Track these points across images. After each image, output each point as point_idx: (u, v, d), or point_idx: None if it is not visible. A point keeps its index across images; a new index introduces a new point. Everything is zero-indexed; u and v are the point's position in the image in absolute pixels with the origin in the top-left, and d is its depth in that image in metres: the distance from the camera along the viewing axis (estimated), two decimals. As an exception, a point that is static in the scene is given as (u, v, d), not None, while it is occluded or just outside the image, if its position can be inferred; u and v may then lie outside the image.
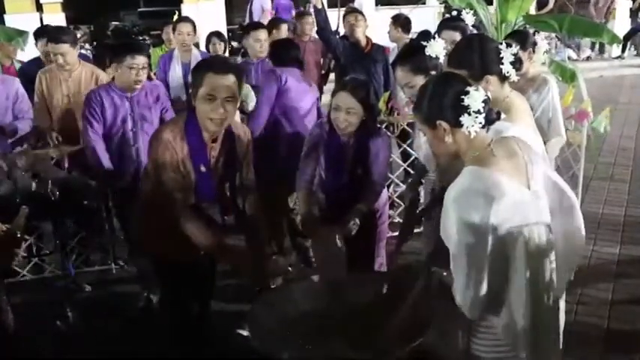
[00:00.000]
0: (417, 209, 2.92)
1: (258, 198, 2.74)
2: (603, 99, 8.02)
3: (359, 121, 2.82)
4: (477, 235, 1.72)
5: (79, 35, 6.51)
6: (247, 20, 10.98)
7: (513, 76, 2.22)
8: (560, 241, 1.91)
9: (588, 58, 12.99)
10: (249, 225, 2.68)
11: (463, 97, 1.76)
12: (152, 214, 2.61)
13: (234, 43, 10.59)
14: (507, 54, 2.18)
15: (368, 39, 5.16)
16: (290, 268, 2.49)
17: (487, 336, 1.88)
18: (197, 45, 5.34)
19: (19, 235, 2.55)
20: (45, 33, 4.47)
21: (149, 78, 4.04)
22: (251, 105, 3.96)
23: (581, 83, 4.72)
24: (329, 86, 4.88)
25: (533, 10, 9.90)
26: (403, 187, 4.69)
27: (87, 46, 9.49)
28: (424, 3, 13.42)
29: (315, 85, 4.53)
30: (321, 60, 6.09)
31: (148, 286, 3.66)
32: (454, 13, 3.70)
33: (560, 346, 2.05)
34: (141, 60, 3.30)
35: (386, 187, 3.28)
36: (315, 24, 5.90)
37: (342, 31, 6.21)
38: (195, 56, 4.88)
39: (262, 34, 4.54)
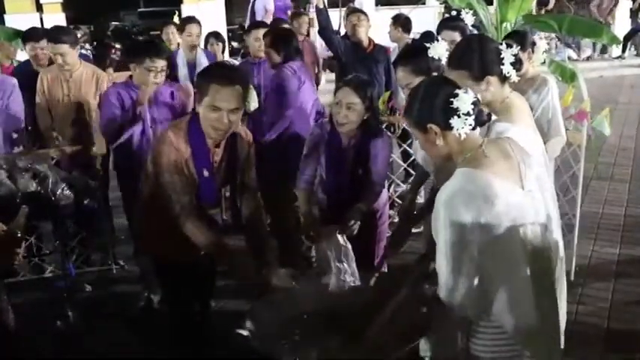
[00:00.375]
0: (412, 212, 2.93)
1: (259, 199, 2.74)
2: (603, 99, 8.02)
3: (359, 120, 2.81)
4: (465, 236, 1.73)
5: (79, 35, 6.52)
6: (248, 21, 11.00)
7: (514, 77, 2.22)
8: None
9: (588, 58, 13.00)
10: (249, 226, 2.69)
11: (452, 99, 1.77)
12: (152, 215, 2.61)
13: (235, 43, 10.63)
14: (508, 54, 2.18)
15: (370, 39, 5.17)
16: (294, 283, 2.46)
17: (485, 336, 1.89)
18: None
19: (19, 235, 2.55)
20: (35, 35, 4.46)
21: (175, 79, 4.06)
22: (253, 105, 3.96)
23: (581, 83, 4.72)
24: (329, 86, 4.88)
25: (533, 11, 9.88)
26: (403, 187, 4.70)
27: (87, 46, 9.49)
28: (424, 3, 13.41)
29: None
30: (318, 60, 6.11)
31: (149, 286, 3.66)
32: (454, 13, 3.70)
33: (562, 346, 2.05)
34: (160, 63, 3.30)
35: (386, 187, 3.29)
36: (309, 24, 5.92)
37: (342, 31, 6.22)
38: (200, 56, 4.89)
39: (261, 33, 4.53)
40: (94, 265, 4.31)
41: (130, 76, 3.42)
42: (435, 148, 1.85)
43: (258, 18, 9.62)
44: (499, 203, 1.74)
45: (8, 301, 3.41)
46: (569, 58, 11.56)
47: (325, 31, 5.08)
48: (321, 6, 4.94)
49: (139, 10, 20.74)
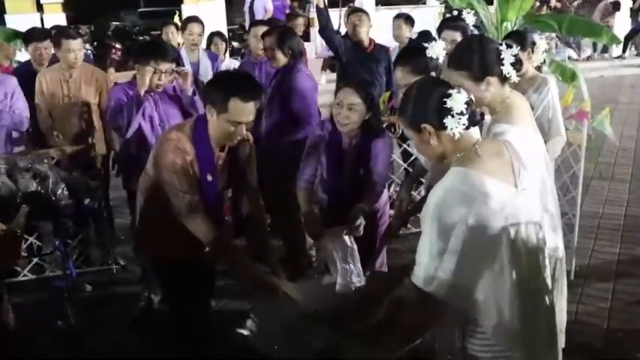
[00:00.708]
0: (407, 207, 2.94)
1: (260, 199, 2.75)
2: (603, 99, 8.03)
3: (360, 120, 2.81)
4: (453, 233, 1.73)
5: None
6: (248, 21, 11.01)
7: (514, 77, 2.22)
8: None
9: (589, 58, 13.00)
10: (251, 226, 2.69)
11: (446, 99, 1.78)
12: (153, 214, 2.61)
13: (235, 43, 10.63)
14: (508, 55, 2.18)
15: (370, 39, 5.17)
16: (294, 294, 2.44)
17: (481, 335, 1.89)
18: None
19: (18, 234, 2.55)
20: (38, 35, 4.47)
21: None
22: None
23: (581, 83, 4.72)
24: (329, 86, 4.88)
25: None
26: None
27: (87, 46, 9.48)
28: (424, 3, 13.40)
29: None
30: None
31: (149, 286, 3.66)
32: (455, 13, 3.70)
33: (559, 347, 2.05)
34: (165, 66, 3.29)
35: (386, 187, 3.29)
36: (310, 24, 5.92)
37: (342, 31, 6.22)
38: (202, 56, 4.89)
39: (261, 31, 4.50)
40: (94, 265, 4.31)
41: (135, 76, 3.42)
42: (429, 147, 1.86)
43: (258, 18, 9.65)
44: (491, 202, 1.76)
45: (8, 301, 3.42)
46: (569, 57, 11.56)
47: (326, 30, 5.08)
48: (322, 5, 4.94)
49: (140, 10, 20.75)
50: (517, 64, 2.21)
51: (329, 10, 5.12)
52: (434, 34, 3.69)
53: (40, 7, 10.51)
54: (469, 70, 2.18)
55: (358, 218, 2.69)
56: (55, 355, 3.30)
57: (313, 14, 6.46)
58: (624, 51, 12.78)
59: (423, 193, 2.95)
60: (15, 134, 4.06)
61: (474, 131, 1.87)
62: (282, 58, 3.73)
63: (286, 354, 2.21)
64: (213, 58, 5.04)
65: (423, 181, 3.07)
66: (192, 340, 2.75)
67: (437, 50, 2.52)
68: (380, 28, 6.24)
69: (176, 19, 6.53)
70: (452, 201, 1.75)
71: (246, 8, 11.89)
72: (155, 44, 3.89)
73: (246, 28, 7.27)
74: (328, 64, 10.27)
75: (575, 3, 13.81)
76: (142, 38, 13.59)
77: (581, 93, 4.54)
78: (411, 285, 1.83)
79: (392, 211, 4.29)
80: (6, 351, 3.09)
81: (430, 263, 1.77)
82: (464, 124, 1.78)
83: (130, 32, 16.21)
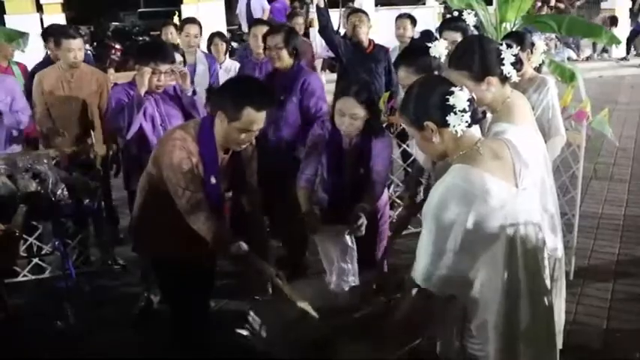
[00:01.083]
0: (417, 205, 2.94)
1: (259, 198, 2.75)
2: (603, 99, 8.04)
3: (363, 123, 2.83)
4: (453, 230, 1.75)
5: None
6: (245, 22, 11.00)
7: (514, 77, 2.23)
8: None
9: (588, 59, 13.01)
10: (249, 224, 2.69)
11: (448, 97, 1.79)
12: (152, 215, 2.62)
13: (234, 44, 10.62)
14: (508, 55, 2.19)
15: (370, 39, 5.18)
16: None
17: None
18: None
19: (17, 234, 2.56)
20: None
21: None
22: None
23: (580, 83, 4.73)
24: (329, 87, 4.87)
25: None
26: (403, 187, 4.70)
27: (87, 46, 9.48)
28: (424, 3, 13.41)
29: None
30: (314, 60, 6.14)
31: (149, 287, 3.66)
32: (455, 13, 3.70)
33: (557, 347, 2.05)
34: (165, 67, 3.30)
35: (386, 188, 3.29)
36: (310, 24, 5.93)
37: (342, 31, 6.23)
38: (200, 57, 4.88)
39: (261, 30, 4.49)
40: (94, 265, 4.32)
41: (135, 77, 3.42)
42: (432, 145, 1.87)
43: (257, 17, 9.65)
44: (492, 200, 1.77)
45: (8, 301, 3.42)
46: (568, 58, 11.57)
47: (326, 30, 5.08)
48: (322, 5, 4.94)
49: (139, 10, 20.77)
50: (517, 63, 2.22)
51: (329, 10, 5.13)
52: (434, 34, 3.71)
53: (39, 8, 10.50)
54: (470, 70, 2.19)
55: (360, 218, 2.69)
56: (54, 356, 3.30)
57: (313, 14, 6.45)
58: (628, 52, 12.77)
59: (422, 194, 2.95)
60: (14, 132, 4.07)
61: (476, 130, 1.88)
62: (287, 58, 3.64)
63: (286, 354, 2.21)
64: (212, 60, 5.02)
65: (422, 181, 3.07)
66: (192, 340, 2.75)
67: (440, 50, 2.53)
68: (379, 29, 6.24)
69: (175, 19, 6.52)
70: (453, 198, 1.76)
71: (239, 11, 11.88)
72: (155, 45, 3.89)
73: (244, 29, 7.20)
74: (328, 64, 10.28)
75: (578, 3, 13.85)
76: (141, 39, 13.59)
77: (580, 93, 4.54)
78: (411, 281, 1.84)
79: (391, 212, 4.33)
80: (6, 351, 3.09)
81: (430, 260, 1.78)
82: (466, 122, 1.79)
83: (129, 32, 16.21)
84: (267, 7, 11.07)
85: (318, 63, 10.30)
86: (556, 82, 3.61)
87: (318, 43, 8.55)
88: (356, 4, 11.40)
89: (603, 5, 14.19)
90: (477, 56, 2.20)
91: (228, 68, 5.25)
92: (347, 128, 2.82)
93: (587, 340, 3.21)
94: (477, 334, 1.88)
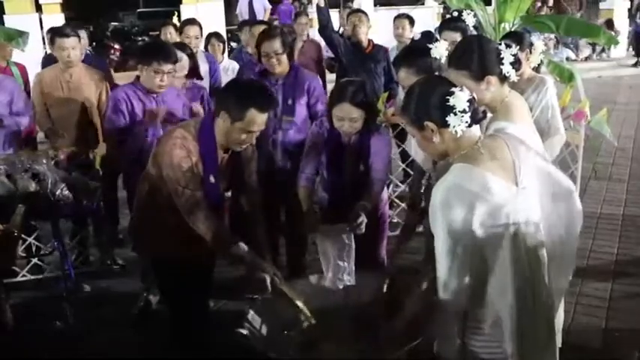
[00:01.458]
0: (419, 207, 2.95)
1: (259, 197, 2.76)
2: (602, 99, 8.05)
3: (362, 123, 2.84)
4: (461, 232, 1.76)
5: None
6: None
7: (513, 77, 2.24)
8: (561, 229, 1.95)
9: (587, 59, 13.03)
10: (249, 223, 2.70)
11: (448, 97, 1.80)
12: (151, 214, 2.62)
13: (234, 44, 10.62)
14: (507, 54, 2.20)
15: (369, 40, 5.18)
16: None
17: (479, 331, 1.91)
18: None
19: (15, 234, 2.55)
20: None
21: (199, 77, 4.03)
22: None
23: (579, 83, 4.73)
24: (329, 87, 4.87)
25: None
26: (402, 187, 4.71)
27: (86, 46, 9.48)
28: (423, 4, 13.43)
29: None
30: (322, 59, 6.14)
31: (148, 287, 3.67)
32: (454, 14, 3.71)
33: (557, 346, 2.06)
34: (167, 67, 3.30)
35: (386, 187, 3.29)
36: (308, 24, 5.93)
37: (341, 31, 6.24)
38: (201, 57, 4.87)
39: (260, 30, 4.47)
40: (94, 265, 4.31)
41: (138, 77, 3.42)
42: (432, 145, 1.87)
43: (260, 18, 9.66)
44: (493, 199, 1.78)
45: (7, 301, 3.42)
46: (567, 58, 11.59)
47: (326, 30, 5.08)
48: (322, 5, 4.95)
49: (139, 10, 20.79)
50: (516, 63, 2.23)
51: (329, 10, 5.13)
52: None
53: (39, 8, 10.50)
54: (469, 69, 2.20)
55: (360, 216, 2.70)
56: (54, 356, 3.30)
57: (313, 14, 6.45)
58: (638, 55, 12.71)
59: (422, 197, 2.98)
60: (14, 133, 4.06)
61: (476, 129, 1.88)
62: (287, 62, 3.46)
63: (285, 354, 2.21)
64: (212, 59, 5.02)
65: (423, 182, 3.08)
66: (191, 340, 2.75)
67: (441, 51, 2.54)
68: (378, 29, 6.25)
69: (175, 19, 6.52)
70: (455, 198, 1.76)
71: (239, 11, 11.87)
72: (157, 45, 3.88)
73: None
74: (327, 64, 10.27)
75: (582, 12, 13.87)
76: (140, 39, 13.59)
77: (578, 94, 4.54)
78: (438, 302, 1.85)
79: (391, 212, 4.33)
80: (6, 351, 3.09)
81: (447, 272, 1.79)
82: (466, 122, 1.80)
83: (128, 33, 16.22)
84: (269, 6, 11.08)
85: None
86: (555, 82, 3.61)
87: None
88: (355, 4, 11.42)
89: (602, 6, 14.23)
90: (476, 56, 2.21)
91: (227, 68, 5.26)
92: (347, 130, 2.84)
93: (586, 339, 3.22)
94: (494, 335, 1.88)
